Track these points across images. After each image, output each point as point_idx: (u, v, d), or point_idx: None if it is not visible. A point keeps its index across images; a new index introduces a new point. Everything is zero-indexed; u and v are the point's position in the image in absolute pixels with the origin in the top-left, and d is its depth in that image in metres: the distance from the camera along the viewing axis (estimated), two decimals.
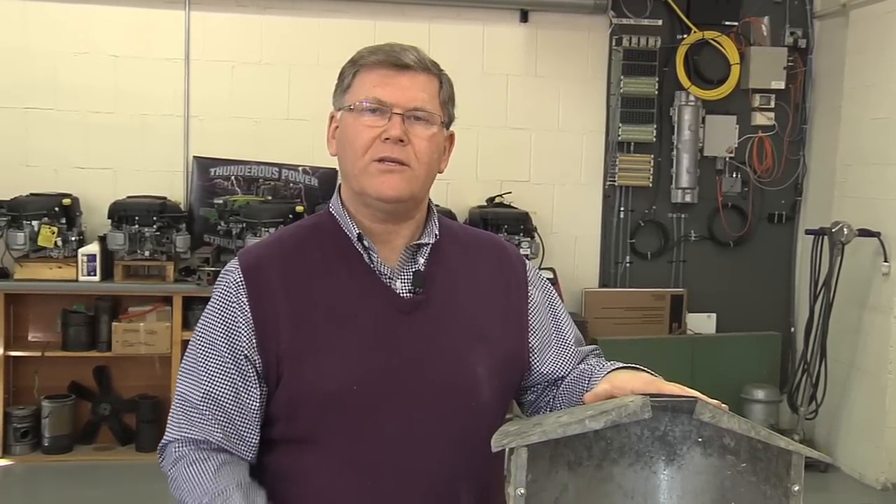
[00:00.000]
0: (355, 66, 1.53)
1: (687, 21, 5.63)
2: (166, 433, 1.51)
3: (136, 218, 4.92)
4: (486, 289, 1.61)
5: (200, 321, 1.55)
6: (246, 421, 1.49)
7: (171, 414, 1.52)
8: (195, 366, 1.51)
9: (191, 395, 1.49)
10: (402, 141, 1.47)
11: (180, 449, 1.48)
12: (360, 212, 1.55)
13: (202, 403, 1.47)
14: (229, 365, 1.48)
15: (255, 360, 1.48)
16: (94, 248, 4.93)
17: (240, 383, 1.48)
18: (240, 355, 1.48)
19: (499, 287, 1.62)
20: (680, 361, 5.37)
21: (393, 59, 1.49)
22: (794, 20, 5.78)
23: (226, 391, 1.48)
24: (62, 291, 4.97)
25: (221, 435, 1.47)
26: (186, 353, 1.54)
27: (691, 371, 5.30)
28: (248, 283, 1.50)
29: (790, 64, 5.72)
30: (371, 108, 1.49)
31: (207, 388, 1.48)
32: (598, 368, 1.58)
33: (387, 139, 1.47)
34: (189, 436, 1.48)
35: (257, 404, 1.49)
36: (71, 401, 5.06)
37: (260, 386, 1.49)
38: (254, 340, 1.47)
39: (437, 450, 1.47)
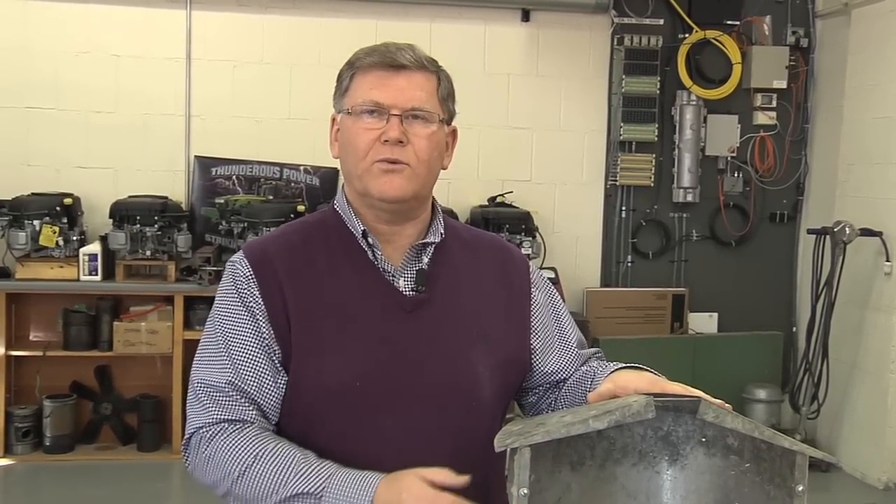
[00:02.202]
0: (352, 69, 1.53)
1: (688, 20, 5.62)
2: (191, 422, 1.48)
3: (138, 217, 4.92)
4: (488, 289, 1.61)
5: (217, 311, 1.52)
6: (270, 406, 1.48)
7: (193, 403, 1.48)
8: (218, 352, 1.48)
9: (215, 381, 1.46)
10: (401, 142, 1.47)
11: (214, 427, 1.45)
12: (364, 213, 1.55)
13: (229, 387, 1.46)
14: (256, 351, 1.47)
15: (276, 350, 1.48)
16: (95, 247, 4.93)
17: (264, 369, 1.47)
18: (264, 344, 1.47)
19: (502, 288, 1.63)
20: (681, 361, 5.36)
21: (388, 60, 1.49)
22: (795, 19, 5.77)
23: (251, 377, 1.46)
24: (63, 291, 4.97)
25: (255, 412, 1.46)
26: (205, 342, 1.52)
27: (693, 371, 5.30)
28: (258, 276, 1.50)
29: (792, 63, 5.71)
30: (369, 111, 1.49)
31: (232, 377, 1.46)
32: (600, 370, 1.59)
33: (386, 141, 1.47)
34: (222, 417, 1.45)
35: (280, 393, 1.48)
36: (72, 400, 5.06)
37: (282, 374, 1.48)
38: (272, 331, 1.48)
39: (436, 448, 1.47)
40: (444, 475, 1.31)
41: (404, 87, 1.49)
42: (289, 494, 1.35)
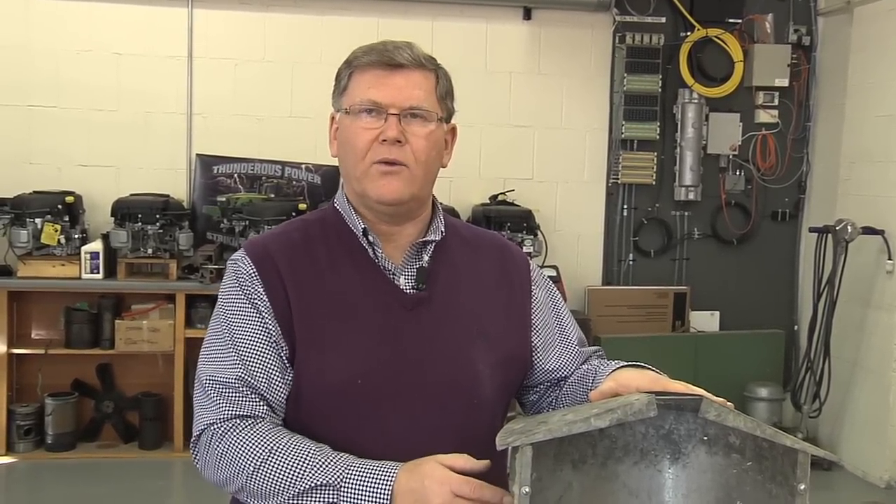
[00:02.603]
0: (350, 68, 1.53)
1: (690, 18, 5.62)
2: (200, 420, 1.46)
3: (139, 216, 4.93)
4: (489, 287, 1.61)
5: (222, 308, 1.52)
6: (278, 401, 1.48)
7: (201, 400, 1.46)
8: (225, 348, 1.47)
9: (224, 377, 1.45)
10: (399, 141, 1.47)
11: (225, 423, 1.43)
12: (364, 213, 1.55)
13: (238, 383, 1.45)
14: (264, 346, 1.47)
15: (283, 346, 1.48)
16: (97, 245, 4.94)
17: (272, 364, 1.47)
18: (272, 340, 1.47)
19: (502, 286, 1.63)
20: (683, 359, 5.36)
21: (386, 59, 1.49)
22: (798, 17, 5.77)
23: (260, 372, 1.46)
24: (65, 289, 4.97)
25: (265, 408, 1.46)
26: (211, 340, 1.51)
27: (694, 369, 5.30)
28: (261, 273, 1.50)
29: (794, 61, 5.71)
30: (367, 110, 1.48)
31: (241, 372, 1.45)
32: (601, 368, 1.58)
33: (384, 140, 1.47)
34: (233, 413, 1.43)
35: (287, 388, 1.48)
36: (74, 398, 5.07)
37: (290, 370, 1.48)
38: (278, 327, 1.47)
39: (438, 446, 1.46)
40: (464, 460, 1.32)
41: (402, 86, 1.48)
42: (307, 487, 1.35)
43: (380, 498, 1.31)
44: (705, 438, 1.32)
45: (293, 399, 1.48)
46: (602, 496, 1.33)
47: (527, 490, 1.18)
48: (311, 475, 1.35)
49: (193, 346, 4.72)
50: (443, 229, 1.59)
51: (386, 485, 1.31)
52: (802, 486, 1.20)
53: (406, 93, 1.48)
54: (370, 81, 1.49)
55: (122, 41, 5.27)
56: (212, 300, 1.52)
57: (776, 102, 5.78)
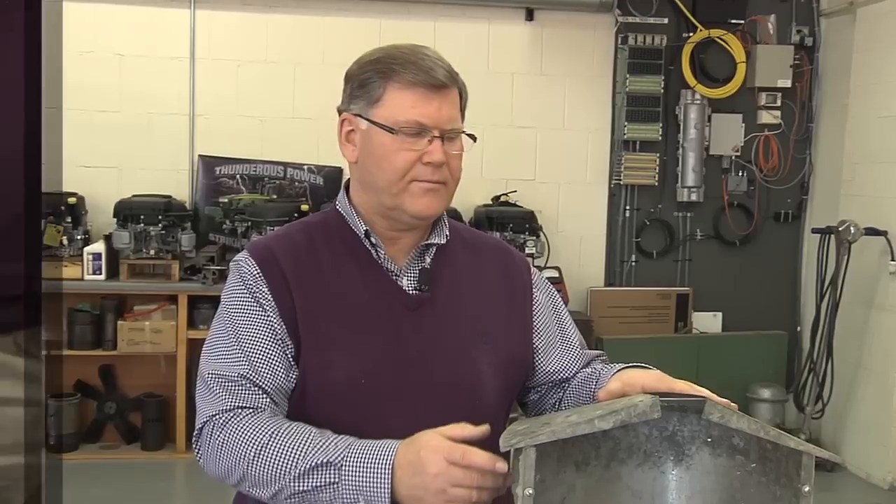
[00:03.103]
0: (385, 79, 1.49)
1: (693, 19, 5.61)
2: (202, 413, 1.45)
3: (142, 217, 4.92)
4: (491, 290, 1.62)
5: (227, 307, 1.51)
6: (282, 399, 1.48)
7: (204, 394, 1.46)
8: (229, 346, 1.47)
9: (228, 373, 1.45)
10: (443, 163, 1.49)
11: (227, 414, 1.43)
12: (374, 220, 1.55)
13: (241, 379, 1.45)
14: (269, 344, 1.47)
15: (289, 344, 1.48)
16: (99, 246, 4.94)
17: (277, 362, 1.47)
18: (277, 338, 1.47)
19: (504, 289, 1.63)
20: (686, 360, 5.36)
21: (431, 80, 1.48)
22: (800, 18, 5.76)
23: (265, 369, 1.46)
24: (68, 290, 4.97)
25: (268, 401, 1.46)
26: (215, 338, 1.51)
27: (697, 370, 5.29)
28: (265, 274, 1.50)
29: (796, 62, 5.69)
30: (413, 133, 1.48)
31: (246, 370, 1.45)
32: (605, 371, 1.59)
33: (428, 162, 1.48)
34: (235, 405, 1.43)
35: (291, 387, 1.48)
36: (76, 399, 5.07)
37: (294, 369, 1.48)
38: (284, 326, 1.48)
39: None
40: (461, 429, 1.32)
41: (442, 107, 1.50)
42: (308, 467, 1.34)
43: (381, 473, 1.31)
44: (709, 440, 1.32)
45: (296, 398, 1.49)
46: (605, 498, 1.33)
47: (530, 492, 1.18)
48: (312, 455, 1.35)
49: (196, 348, 4.72)
50: (447, 233, 1.60)
51: (386, 460, 1.31)
52: (806, 488, 1.20)
53: (446, 113, 1.50)
54: (413, 101, 1.48)
55: (125, 42, 5.27)
56: (214, 301, 1.51)
57: (779, 103, 5.77)
